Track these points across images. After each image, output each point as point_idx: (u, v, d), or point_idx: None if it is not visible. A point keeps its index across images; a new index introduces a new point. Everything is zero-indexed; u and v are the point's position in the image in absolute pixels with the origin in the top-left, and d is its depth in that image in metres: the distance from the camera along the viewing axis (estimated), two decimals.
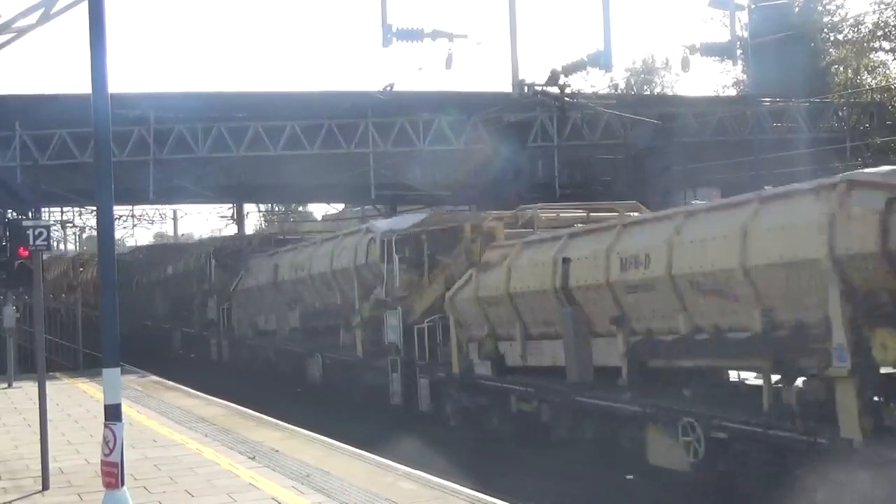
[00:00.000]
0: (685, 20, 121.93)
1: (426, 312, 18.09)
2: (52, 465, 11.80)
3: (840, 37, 51.67)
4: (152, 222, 61.34)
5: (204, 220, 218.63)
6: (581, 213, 17.51)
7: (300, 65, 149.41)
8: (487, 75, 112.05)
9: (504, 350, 16.07)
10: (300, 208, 69.69)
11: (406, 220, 20.88)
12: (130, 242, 61.89)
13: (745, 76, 52.74)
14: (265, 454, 13.43)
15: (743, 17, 45.83)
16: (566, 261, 14.08)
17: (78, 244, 76.38)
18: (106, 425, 8.53)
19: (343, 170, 36.85)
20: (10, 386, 22.52)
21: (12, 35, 16.73)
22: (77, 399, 20.47)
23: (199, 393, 21.16)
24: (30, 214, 28.53)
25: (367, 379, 20.32)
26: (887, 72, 50.72)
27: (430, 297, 18.10)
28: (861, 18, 49.33)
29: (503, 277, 15.40)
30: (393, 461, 12.76)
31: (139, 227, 66.30)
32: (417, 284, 18.74)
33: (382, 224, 21.32)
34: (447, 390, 17.37)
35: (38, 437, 11.74)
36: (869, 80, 49.11)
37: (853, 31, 50.58)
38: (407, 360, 18.49)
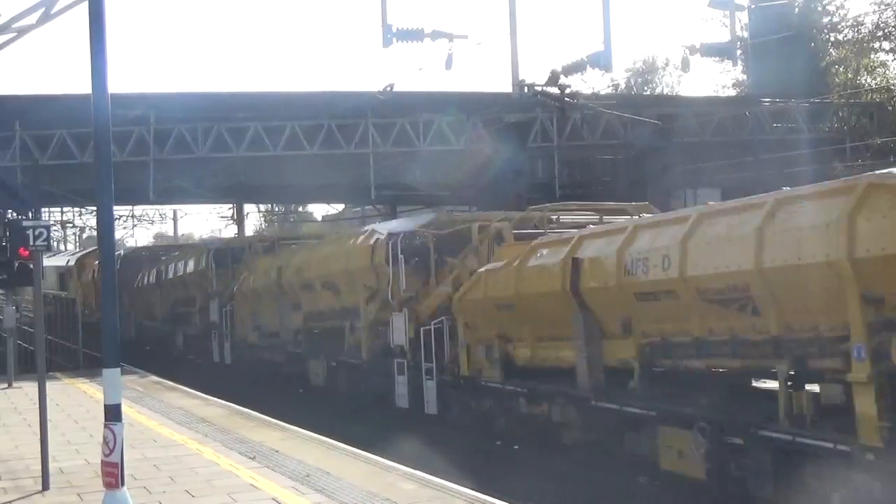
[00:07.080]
0: (685, 20, 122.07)
1: None
2: (52, 466, 11.79)
3: (840, 37, 51.67)
4: (152, 222, 61.68)
5: (204, 221, 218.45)
6: None
7: (300, 65, 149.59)
8: (487, 75, 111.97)
9: None
10: (300, 209, 69.75)
11: None
12: (130, 242, 61.90)
13: (745, 76, 52.77)
14: (265, 454, 13.42)
15: (743, 17, 46.10)
16: None
17: (78, 244, 76.40)
18: (106, 425, 8.52)
19: (343, 170, 36.84)
20: (10, 386, 22.52)
21: (12, 35, 16.73)
22: (77, 399, 20.45)
23: (198, 393, 21.14)
24: (30, 214, 28.53)
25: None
26: (887, 72, 50.72)
27: None
28: (861, 19, 49.40)
29: None
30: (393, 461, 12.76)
31: (139, 227, 66.35)
32: None
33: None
34: None
35: (38, 437, 11.73)
36: (869, 80, 49.09)
37: (853, 32, 50.59)
38: None
